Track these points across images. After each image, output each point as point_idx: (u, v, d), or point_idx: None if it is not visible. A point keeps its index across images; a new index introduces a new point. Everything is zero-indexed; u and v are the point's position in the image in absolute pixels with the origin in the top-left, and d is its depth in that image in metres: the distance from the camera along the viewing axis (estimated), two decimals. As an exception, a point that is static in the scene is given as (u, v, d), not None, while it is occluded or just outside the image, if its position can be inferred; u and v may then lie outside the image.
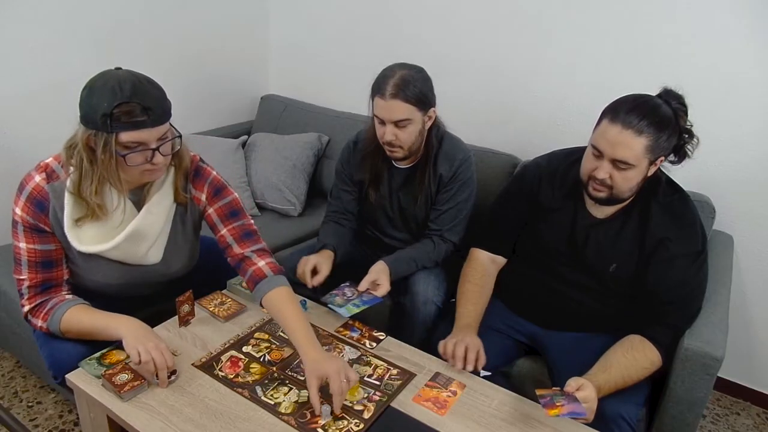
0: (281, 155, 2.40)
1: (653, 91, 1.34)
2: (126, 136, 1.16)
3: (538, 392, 1.21)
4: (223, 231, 1.42)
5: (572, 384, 1.20)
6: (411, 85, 1.52)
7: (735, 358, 2.01)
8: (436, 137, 1.68)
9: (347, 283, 1.63)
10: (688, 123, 1.32)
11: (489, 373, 1.41)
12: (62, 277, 1.33)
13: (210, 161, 2.34)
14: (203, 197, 1.42)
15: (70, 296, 1.33)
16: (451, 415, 1.21)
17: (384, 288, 1.58)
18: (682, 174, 1.41)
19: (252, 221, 1.48)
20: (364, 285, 1.59)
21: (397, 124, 1.55)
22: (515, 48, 2.16)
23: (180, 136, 1.27)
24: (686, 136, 1.33)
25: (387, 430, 1.16)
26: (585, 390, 1.18)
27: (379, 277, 1.59)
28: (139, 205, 1.32)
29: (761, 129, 1.78)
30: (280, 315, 1.31)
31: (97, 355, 1.29)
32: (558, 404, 1.17)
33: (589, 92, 2.03)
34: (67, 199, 1.24)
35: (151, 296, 1.52)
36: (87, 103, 1.16)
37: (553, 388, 1.22)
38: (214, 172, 1.46)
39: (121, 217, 1.28)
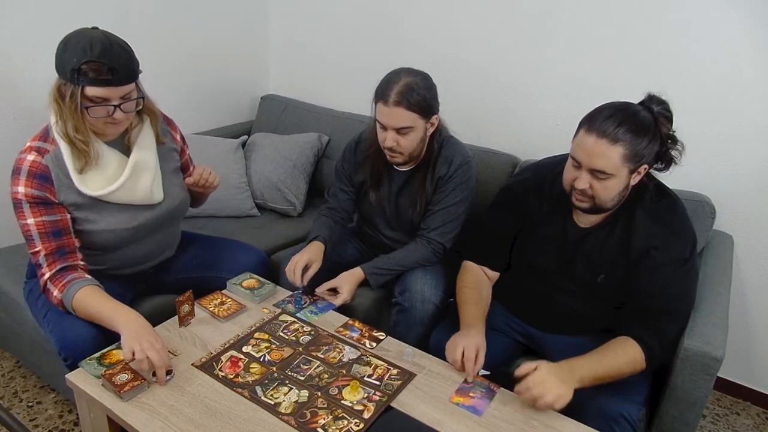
0: (281, 155, 2.40)
1: (652, 90, 1.32)
2: (91, 91, 1.28)
3: (481, 371, 1.33)
4: (191, 170, 1.70)
5: (523, 369, 1.22)
6: (415, 92, 1.51)
7: (735, 358, 2.01)
8: (437, 142, 1.68)
9: (300, 291, 1.64)
10: (671, 129, 1.29)
11: (488, 373, 1.41)
12: (74, 244, 1.40)
13: (210, 161, 2.37)
14: (178, 137, 1.65)
15: (89, 276, 1.40)
16: (451, 415, 1.21)
17: (341, 298, 1.59)
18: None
19: None
20: (321, 289, 1.61)
21: (398, 131, 1.55)
22: (516, 48, 2.16)
23: (143, 97, 1.41)
24: (669, 142, 1.29)
25: (387, 430, 1.16)
26: (531, 377, 1.20)
27: (340, 285, 1.61)
28: (126, 153, 1.44)
29: (761, 129, 1.78)
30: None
31: (97, 355, 1.30)
32: (471, 395, 1.27)
33: (589, 92, 2.03)
34: (65, 151, 1.34)
35: (160, 247, 1.63)
36: (61, 56, 1.29)
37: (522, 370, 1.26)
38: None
39: (117, 163, 1.41)
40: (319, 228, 1.77)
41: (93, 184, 1.38)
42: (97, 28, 1.33)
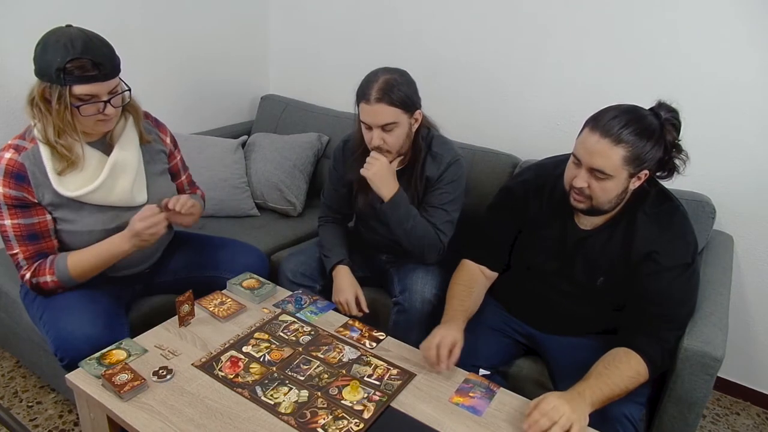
0: (281, 155, 2.40)
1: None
2: (79, 89, 1.27)
3: (481, 371, 1.36)
4: (182, 179, 1.71)
5: (532, 404, 1.17)
6: (395, 88, 1.52)
7: (735, 358, 2.01)
8: (424, 140, 1.67)
9: (300, 291, 1.66)
10: (677, 138, 1.27)
11: (488, 373, 1.41)
12: (53, 246, 1.40)
13: (210, 161, 2.36)
14: (168, 140, 1.63)
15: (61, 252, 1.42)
16: (451, 415, 1.21)
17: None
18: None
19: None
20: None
21: (384, 128, 1.55)
22: (515, 48, 2.16)
23: (129, 90, 1.39)
24: (674, 150, 1.28)
25: (387, 430, 1.16)
26: (540, 406, 1.14)
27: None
28: (107, 152, 1.42)
29: (762, 129, 1.78)
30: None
31: (97, 355, 1.30)
32: (470, 395, 1.27)
33: (590, 92, 2.03)
34: (44, 153, 1.33)
35: (151, 249, 1.60)
36: (41, 59, 1.27)
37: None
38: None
39: (96, 162, 1.39)
40: (332, 245, 1.79)
41: (71, 184, 1.36)
42: (71, 26, 1.31)
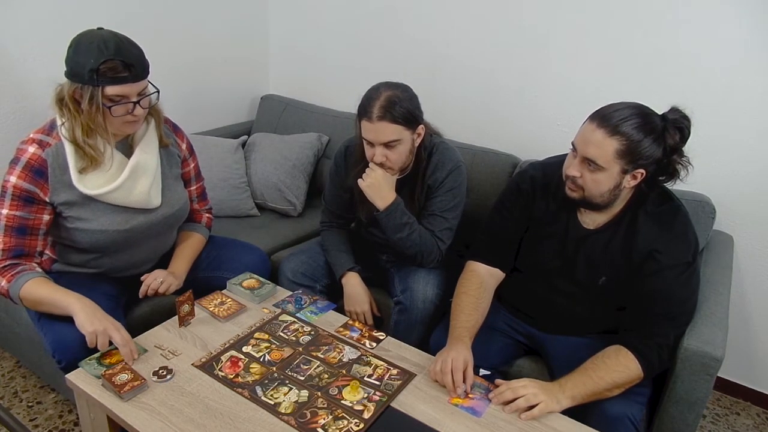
0: (281, 155, 2.40)
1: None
2: (111, 90, 1.29)
3: (481, 371, 1.37)
4: (192, 188, 1.71)
5: (503, 386, 1.25)
6: (397, 105, 1.50)
7: (735, 358, 2.01)
8: (425, 150, 1.67)
9: (300, 291, 1.66)
10: (679, 142, 1.26)
11: (488, 372, 1.41)
12: (35, 247, 1.40)
13: (210, 161, 2.36)
14: (183, 147, 1.64)
15: (40, 270, 1.40)
16: (451, 415, 1.21)
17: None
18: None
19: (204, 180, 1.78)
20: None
21: (386, 145, 1.54)
22: (516, 48, 2.16)
23: (158, 92, 1.41)
24: (675, 155, 1.27)
25: (387, 430, 1.16)
26: (513, 381, 1.25)
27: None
28: (127, 154, 1.45)
29: (762, 129, 1.78)
30: (179, 243, 1.68)
31: (97, 355, 1.30)
32: (470, 396, 1.26)
33: (590, 92, 2.03)
34: (68, 150, 1.35)
35: (156, 253, 1.63)
36: (74, 60, 1.29)
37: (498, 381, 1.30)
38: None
39: (117, 163, 1.41)
40: (339, 250, 1.80)
41: (91, 182, 1.38)
42: (102, 28, 1.34)
